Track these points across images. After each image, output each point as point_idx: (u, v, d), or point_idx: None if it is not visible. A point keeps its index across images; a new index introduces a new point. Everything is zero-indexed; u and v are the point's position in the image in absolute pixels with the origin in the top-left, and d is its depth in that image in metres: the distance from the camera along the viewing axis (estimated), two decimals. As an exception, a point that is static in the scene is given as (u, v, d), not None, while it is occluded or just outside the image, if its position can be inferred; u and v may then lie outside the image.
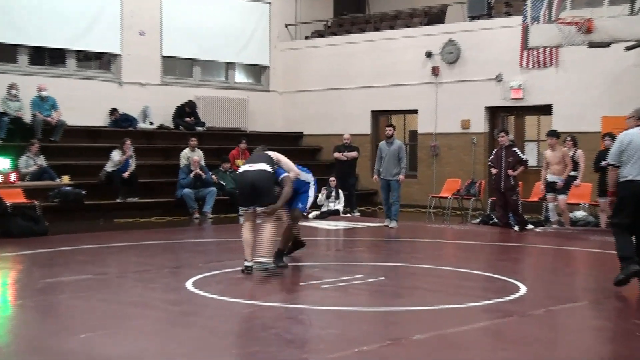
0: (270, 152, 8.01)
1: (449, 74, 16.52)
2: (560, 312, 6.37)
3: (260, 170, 7.62)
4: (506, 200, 12.55)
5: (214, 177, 15.13)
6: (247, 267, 7.71)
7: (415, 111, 17.20)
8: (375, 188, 15.81)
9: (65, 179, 13.04)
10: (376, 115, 17.91)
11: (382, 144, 13.22)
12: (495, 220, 13.16)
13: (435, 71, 16.66)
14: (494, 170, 12.71)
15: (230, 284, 7.41)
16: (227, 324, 5.84)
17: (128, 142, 14.40)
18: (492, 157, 12.94)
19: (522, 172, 12.74)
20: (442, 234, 12.77)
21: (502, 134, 12.70)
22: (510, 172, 12.46)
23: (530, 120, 16.23)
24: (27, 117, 14.50)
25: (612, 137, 11.59)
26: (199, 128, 16.97)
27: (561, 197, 12.55)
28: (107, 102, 16.17)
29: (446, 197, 15.17)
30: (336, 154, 15.98)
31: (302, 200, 8.21)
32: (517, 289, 7.18)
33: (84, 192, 13.48)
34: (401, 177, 12.87)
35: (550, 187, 12.63)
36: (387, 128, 13.22)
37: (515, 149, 12.70)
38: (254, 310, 6.20)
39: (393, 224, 12.90)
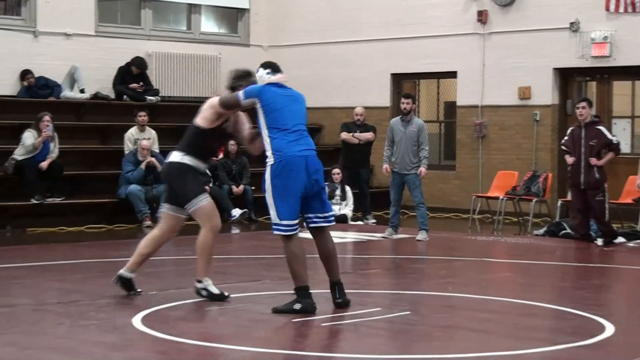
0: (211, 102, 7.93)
1: (502, 22, 16.50)
2: (663, 362, 6.36)
3: (168, 163, 8.05)
4: (587, 202, 12.53)
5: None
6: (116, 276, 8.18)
7: (453, 74, 17.17)
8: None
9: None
10: (398, 80, 17.89)
11: (395, 121, 13.26)
12: (568, 230, 13.15)
13: (482, 17, 16.64)
14: (569, 159, 12.68)
15: (196, 320, 7.41)
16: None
17: (47, 118, 14.37)
18: (566, 138, 12.91)
19: (610, 161, 12.72)
20: (492, 249, 12.76)
21: (583, 104, 12.69)
22: (594, 160, 12.43)
23: (620, 88, 16.20)
24: None
25: None
26: (151, 98, 16.97)
27: None
28: (16, 61, 16.12)
29: (497, 198, 15.17)
30: (344, 135, 15.97)
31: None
32: (602, 328, 7.16)
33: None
34: (422, 169, 12.87)
35: None
36: (404, 100, 13.25)
37: (601, 127, 12.68)
38: (231, 359, 6.18)
39: (422, 235, 12.92)
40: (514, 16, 16.35)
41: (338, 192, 15.26)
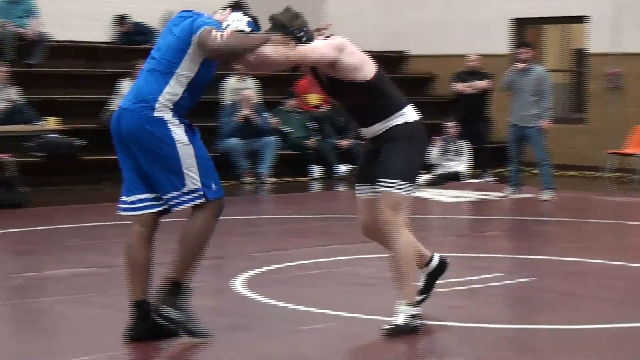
0: None
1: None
2: None
3: None
4: None
5: (272, 120, 15.20)
6: None
7: (581, 19, 16.85)
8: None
9: (52, 122, 13.26)
10: (519, 24, 17.65)
11: (511, 72, 13.15)
12: None
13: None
14: None
15: (300, 284, 7.46)
16: (309, 345, 5.87)
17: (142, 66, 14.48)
18: None
19: None
20: (629, 211, 12.58)
21: None
22: None
23: None
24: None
25: None
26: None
27: None
28: (111, 4, 16.29)
29: (633, 155, 14.89)
30: (458, 86, 15.86)
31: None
32: None
33: (79, 143, 13.60)
34: (545, 122, 12.73)
35: None
36: (520, 49, 13.24)
37: None
38: (336, 325, 6.25)
39: (547, 195, 12.81)
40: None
41: (453, 146, 15.19)
